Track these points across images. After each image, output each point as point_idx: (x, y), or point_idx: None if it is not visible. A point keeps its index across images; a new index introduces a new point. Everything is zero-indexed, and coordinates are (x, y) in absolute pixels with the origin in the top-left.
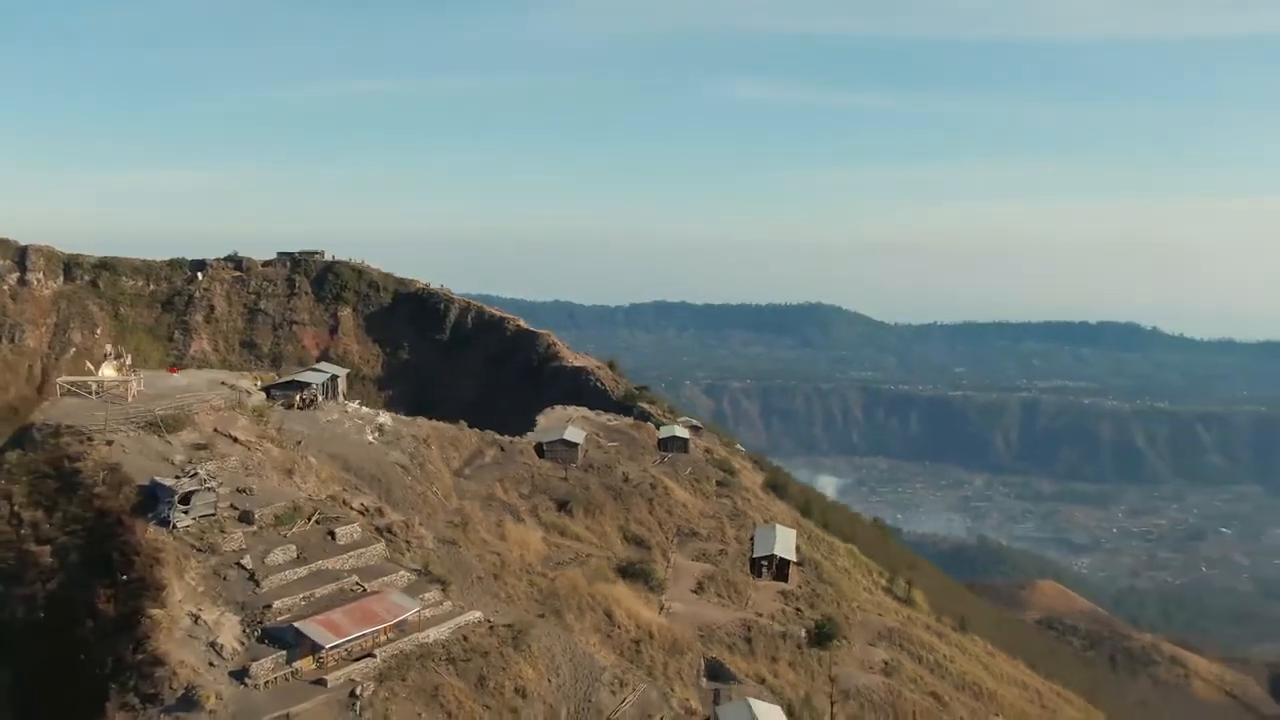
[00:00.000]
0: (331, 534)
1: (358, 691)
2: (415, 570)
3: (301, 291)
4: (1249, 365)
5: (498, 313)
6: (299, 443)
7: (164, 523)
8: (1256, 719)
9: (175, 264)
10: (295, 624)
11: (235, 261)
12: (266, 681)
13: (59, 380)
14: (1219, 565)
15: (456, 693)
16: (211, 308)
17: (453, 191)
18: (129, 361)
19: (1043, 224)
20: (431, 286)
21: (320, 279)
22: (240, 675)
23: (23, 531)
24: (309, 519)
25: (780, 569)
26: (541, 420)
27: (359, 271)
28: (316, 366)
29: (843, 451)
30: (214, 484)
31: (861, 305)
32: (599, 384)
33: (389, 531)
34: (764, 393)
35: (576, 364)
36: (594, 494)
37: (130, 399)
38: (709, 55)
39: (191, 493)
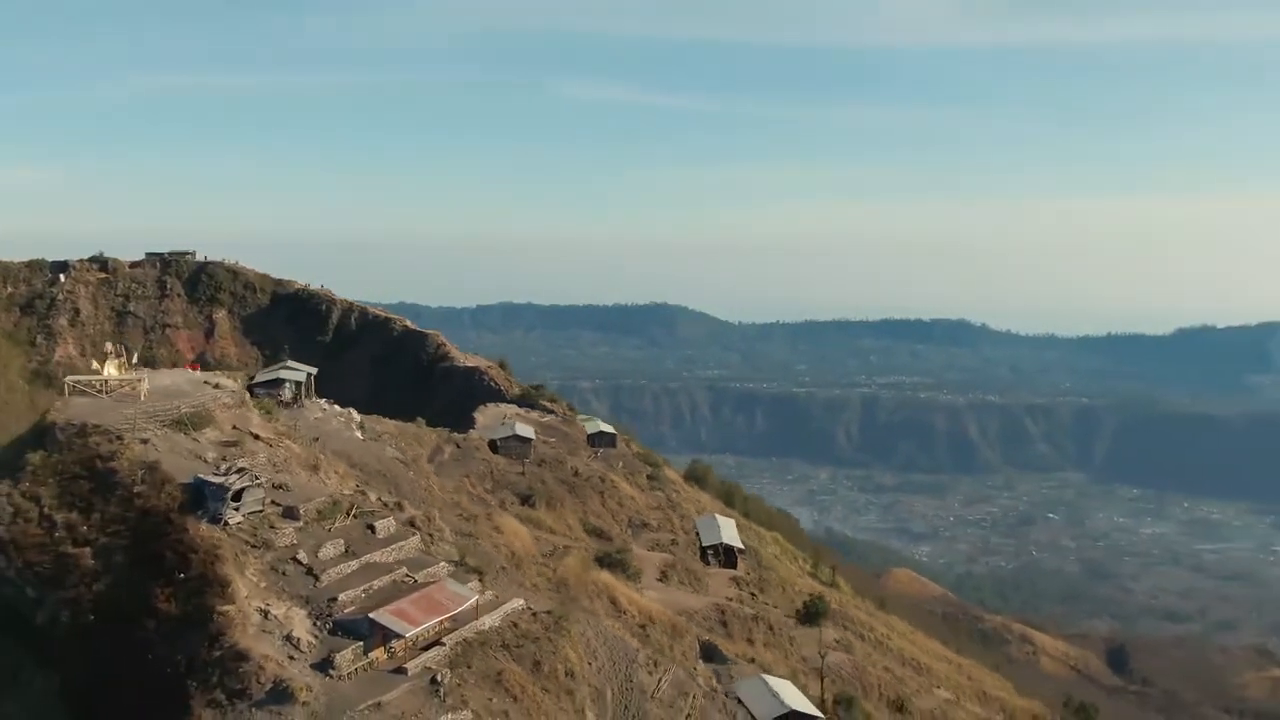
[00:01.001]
0: (371, 528)
1: (438, 679)
2: (452, 561)
3: (173, 293)
4: (1069, 359)
5: (382, 313)
6: (316, 439)
7: (215, 520)
8: (1100, 689)
9: (34, 265)
10: (370, 615)
11: (100, 262)
12: (349, 673)
13: (68, 379)
14: (1048, 549)
15: (517, 677)
16: (76, 311)
17: (300, 191)
18: (135, 359)
19: (878, 225)
20: (311, 287)
21: (193, 280)
22: (323, 667)
23: (57, 534)
24: (348, 514)
25: (729, 556)
26: (480, 418)
27: (234, 273)
28: (289, 364)
29: (691, 449)
30: (263, 480)
31: (706, 305)
32: (493, 383)
33: (412, 525)
34: (613, 392)
35: (468, 364)
36: (551, 488)
37: (143, 397)
38: (552, 56)
39: (243, 489)
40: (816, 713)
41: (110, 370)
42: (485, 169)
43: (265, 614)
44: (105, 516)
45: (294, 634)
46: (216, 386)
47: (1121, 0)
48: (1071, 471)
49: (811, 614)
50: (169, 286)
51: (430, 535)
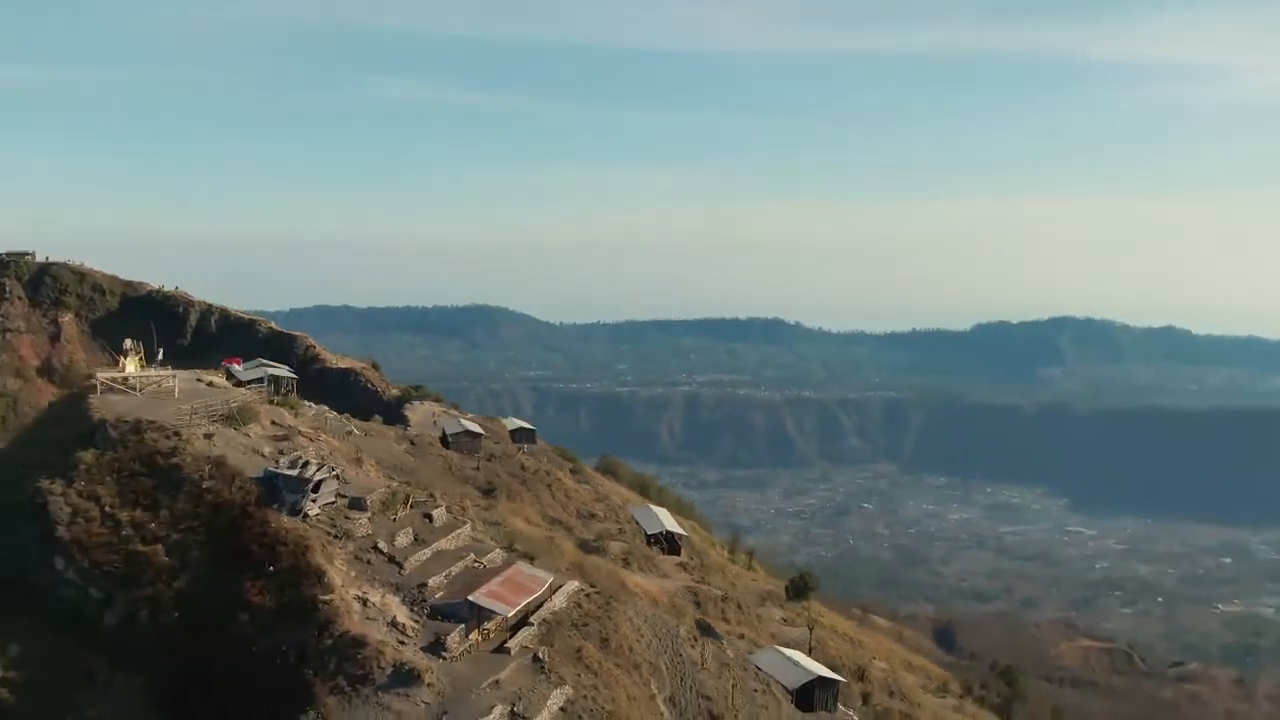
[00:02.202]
0: (429, 517)
1: (539, 656)
2: (504, 548)
3: (13, 296)
4: (878, 354)
5: (246, 315)
6: (350, 433)
7: (294, 511)
8: (940, 665)
9: None
10: (469, 598)
11: None
12: (460, 654)
13: (99, 376)
14: (864, 537)
15: (593, 653)
16: None
17: (135, 192)
18: (160, 356)
19: (696, 226)
20: (166, 289)
21: (35, 283)
22: (434, 649)
23: (124, 533)
24: (405, 504)
25: (671, 543)
26: (411, 415)
27: (80, 274)
28: (267, 362)
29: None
30: (338, 472)
31: (527, 306)
32: (369, 384)
33: (449, 513)
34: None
35: (341, 365)
36: (505, 481)
37: (176, 394)
38: (358, 53)
39: (320, 481)
40: (838, 677)
41: (130, 367)
42: (298, 168)
43: (364, 602)
44: (174, 513)
45: (397, 619)
46: (210, 384)
47: (936, 11)
48: (883, 463)
49: (799, 590)
50: (8, 289)
51: (468, 523)
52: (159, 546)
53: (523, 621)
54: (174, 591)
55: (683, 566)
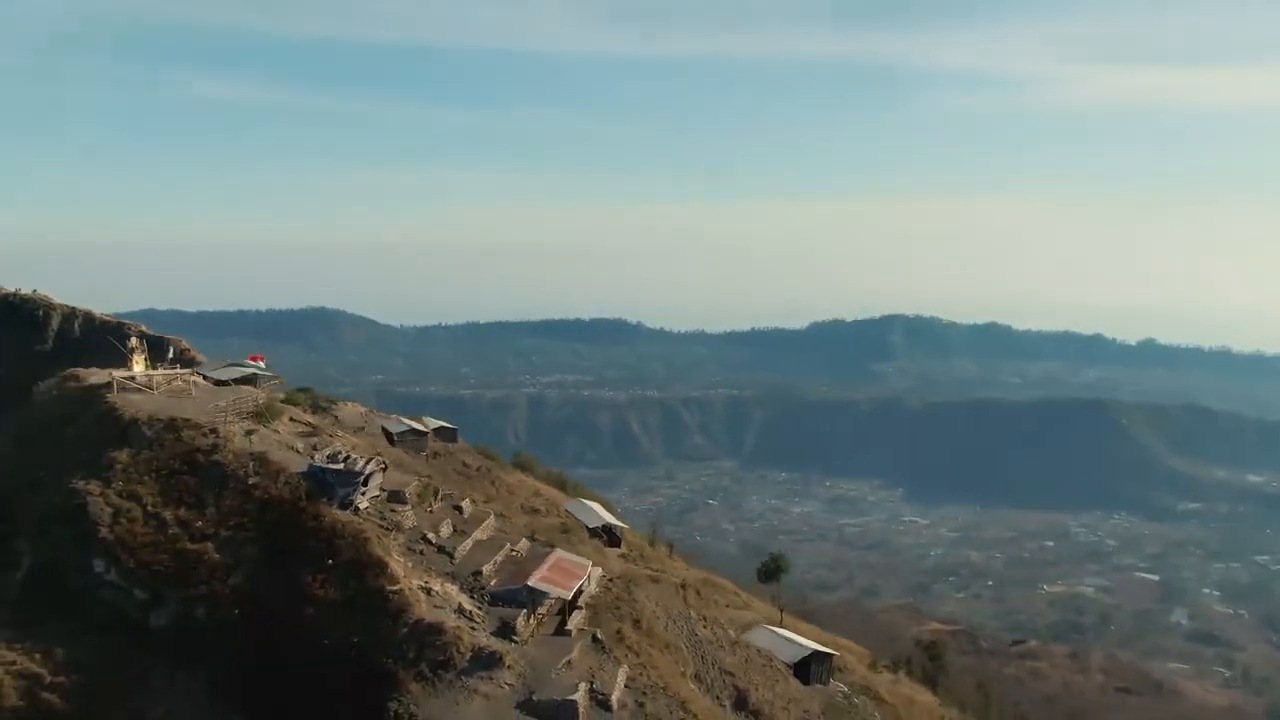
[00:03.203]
0: (458, 508)
1: (598, 636)
2: (526, 536)
3: None
4: (718, 353)
5: (112, 319)
6: (362, 428)
7: (345, 505)
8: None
9: None
10: (528, 584)
11: None
12: (528, 637)
13: (117, 375)
14: (710, 533)
15: (630, 634)
16: None
17: None
18: (171, 354)
19: (535, 227)
20: (23, 292)
21: None
22: (503, 633)
23: (171, 532)
24: (435, 496)
25: (612, 536)
26: (340, 415)
27: None
28: (241, 362)
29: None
30: (385, 465)
31: (367, 309)
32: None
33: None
34: None
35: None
36: (452, 477)
37: (193, 393)
38: (183, 50)
39: (370, 475)
40: (832, 651)
41: (138, 366)
42: (122, 170)
43: (427, 590)
44: (222, 510)
45: (463, 606)
46: (198, 384)
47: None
48: (726, 460)
49: (770, 573)
50: None
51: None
52: (208, 544)
53: (567, 606)
54: (230, 588)
55: (624, 557)
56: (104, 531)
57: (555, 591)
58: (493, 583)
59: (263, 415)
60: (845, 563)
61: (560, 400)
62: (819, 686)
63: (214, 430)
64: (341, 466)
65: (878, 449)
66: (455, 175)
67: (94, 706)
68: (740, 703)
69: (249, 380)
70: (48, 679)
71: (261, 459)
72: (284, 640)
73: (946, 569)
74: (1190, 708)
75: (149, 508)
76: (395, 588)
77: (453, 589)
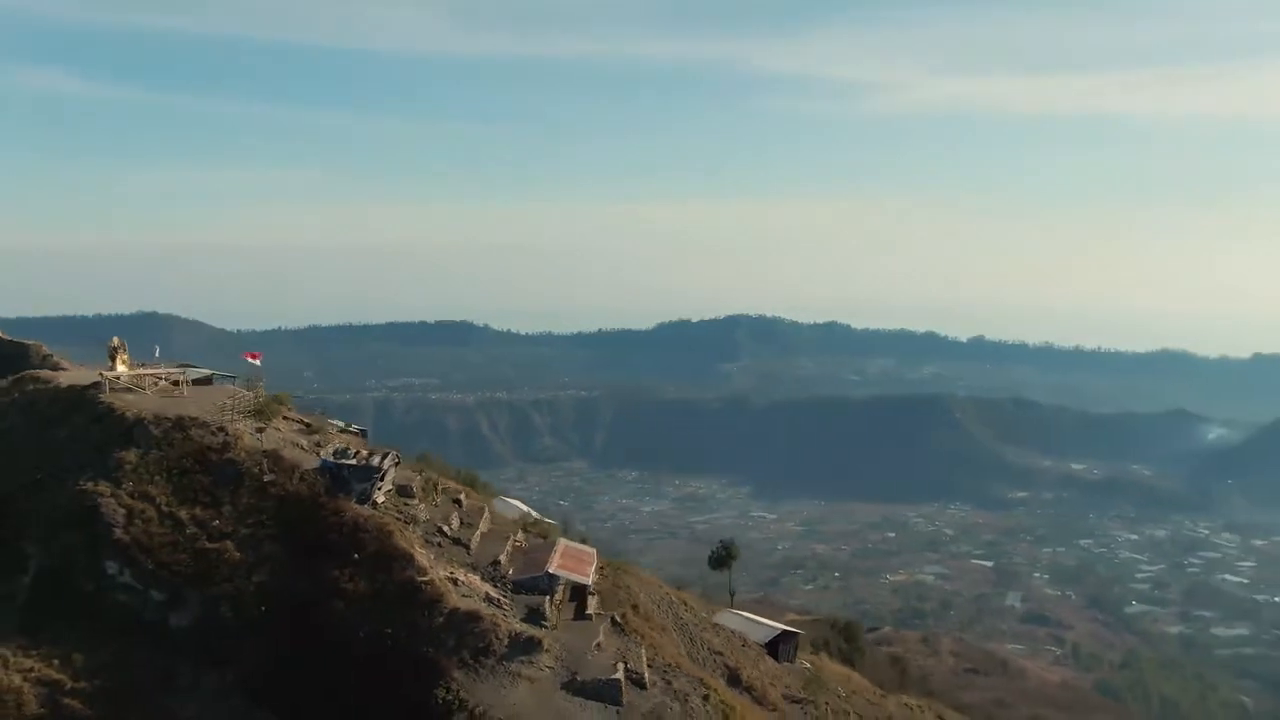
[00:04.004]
0: (458, 502)
1: (617, 619)
2: (523, 528)
3: None
4: (566, 354)
5: None
6: (350, 425)
7: (363, 499)
8: None
9: None
10: (549, 571)
11: None
12: (556, 622)
13: (111, 375)
14: (563, 534)
15: (633, 617)
16: None
17: None
18: (157, 354)
19: (377, 228)
20: None
21: None
22: (533, 619)
23: (189, 531)
24: (436, 490)
25: None
26: None
27: None
28: (190, 364)
29: None
30: (399, 460)
31: (200, 313)
32: None
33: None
34: None
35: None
36: None
37: (186, 392)
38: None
39: (387, 470)
40: (798, 631)
41: (120, 366)
42: None
43: (454, 581)
44: (239, 508)
45: (490, 595)
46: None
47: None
48: (576, 460)
49: (720, 560)
50: None
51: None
52: (228, 543)
53: (576, 592)
54: (255, 585)
55: None
56: (118, 533)
57: (575, 578)
58: (510, 572)
59: (263, 413)
60: (697, 560)
61: (407, 404)
62: (787, 664)
63: (222, 429)
64: (354, 461)
65: (725, 447)
66: (285, 175)
67: (119, 710)
68: (734, 680)
69: (205, 381)
70: (68, 685)
71: (274, 456)
72: (315, 634)
73: (795, 562)
74: (1032, 684)
75: (163, 508)
76: (426, 579)
77: (474, 578)
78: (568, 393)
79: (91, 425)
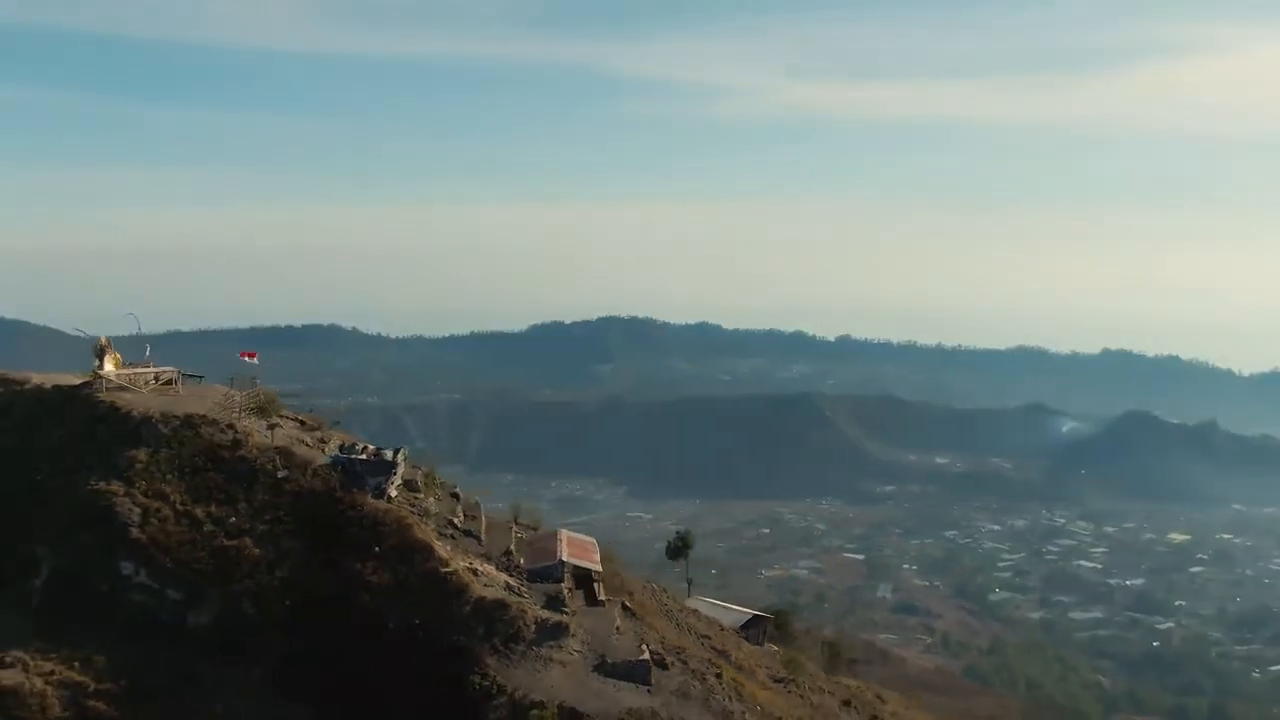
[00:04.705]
0: (456, 495)
1: (626, 603)
2: (514, 519)
3: None
4: (438, 357)
5: None
6: (338, 422)
7: (379, 494)
8: None
9: None
10: (562, 559)
11: None
12: (575, 609)
13: (106, 373)
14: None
15: (631, 603)
16: None
17: None
18: (149, 353)
19: (232, 229)
20: None
21: None
22: (553, 606)
23: (206, 529)
24: (434, 483)
25: None
26: None
27: None
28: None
29: None
30: (407, 455)
31: (47, 318)
32: None
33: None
34: None
35: None
36: None
37: (180, 391)
38: None
39: (399, 465)
40: (767, 615)
41: (109, 365)
42: None
43: (474, 571)
44: (254, 505)
45: (509, 584)
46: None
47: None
48: (452, 464)
49: (677, 549)
50: None
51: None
52: (246, 540)
53: (581, 580)
54: (278, 581)
55: None
56: (135, 532)
57: (586, 565)
58: (521, 561)
59: (265, 410)
60: None
61: None
62: (758, 647)
63: (231, 426)
64: (364, 456)
65: (601, 448)
66: (136, 174)
67: (145, 711)
68: (725, 661)
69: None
70: (91, 687)
71: (286, 452)
72: (342, 627)
73: (673, 560)
74: (911, 671)
75: (178, 506)
76: (449, 569)
77: (490, 568)
78: (441, 396)
79: (95, 425)
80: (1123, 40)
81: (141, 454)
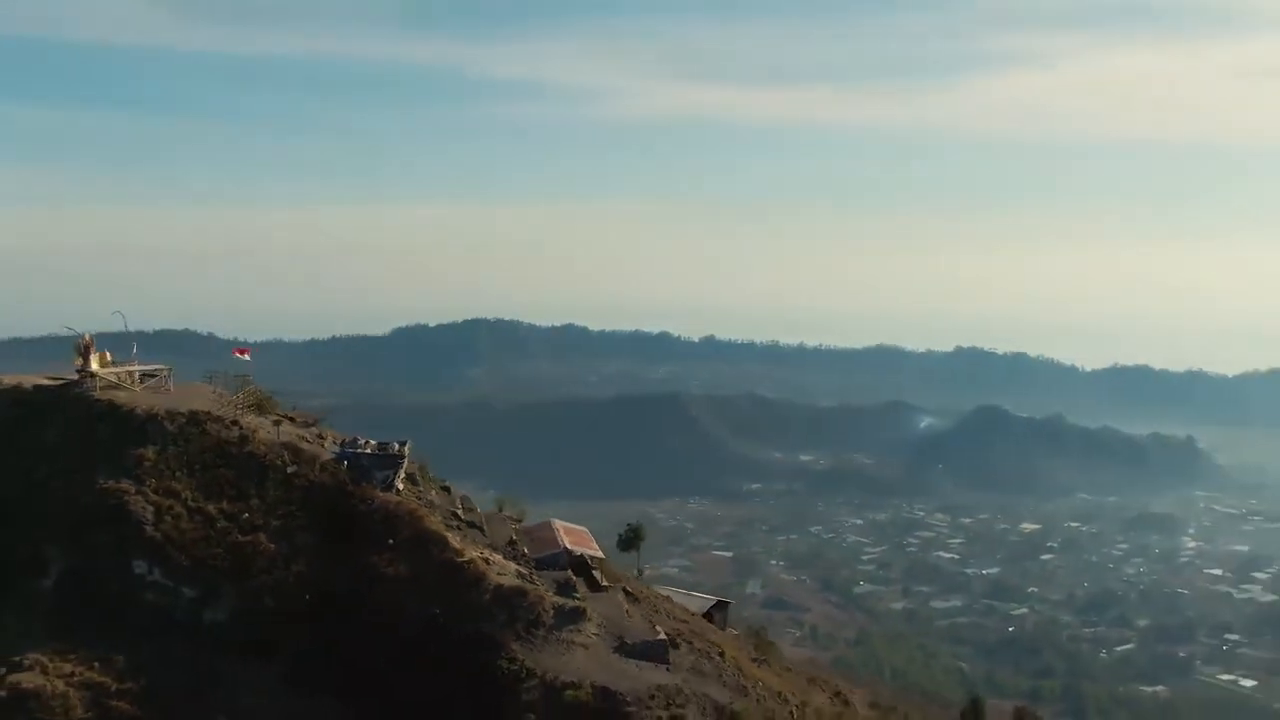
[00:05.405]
0: (446, 489)
1: (628, 589)
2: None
3: None
4: (300, 362)
5: None
6: (324, 418)
7: (387, 487)
8: None
9: None
10: (567, 548)
11: None
12: (583, 595)
13: (100, 371)
14: None
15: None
16: None
17: None
18: (135, 351)
19: (65, 230)
20: None
21: None
22: (566, 591)
23: (220, 525)
24: (427, 477)
25: None
26: None
27: None
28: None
29: None
30: (410, 449)
31: None
32: None
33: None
34: None
35: None
36: None
37: (171, 389)
38: None
39: (405, 458)
40: (729, 600)
41: (95, 364)
42: None
43: (486, 560)
44: (266, 501)
45: (520, 572)
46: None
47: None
48: None
49: (629, 540)
50: None
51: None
52: (260, 535)
53: (580, 567)
54: (294, 575)
55: None
56: (149, 530)
57: (588, 552)
58: (525, 550)
59: (263, 407)
60: None
61: None
62: (723, 631)
63: (236, 423)
64: (369, 450)
65: (470, 451)
66: None
67: (168, 709)
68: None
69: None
70: (113, 687)
71: (293, 448)
72: (362, 618)
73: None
74: (789, 662)
75: (190, 503)
76: (465, 559)
77: (498, 558)
78: (304, 402)
79: (94, 424)
80: (962, 51)
81: (149, 452)
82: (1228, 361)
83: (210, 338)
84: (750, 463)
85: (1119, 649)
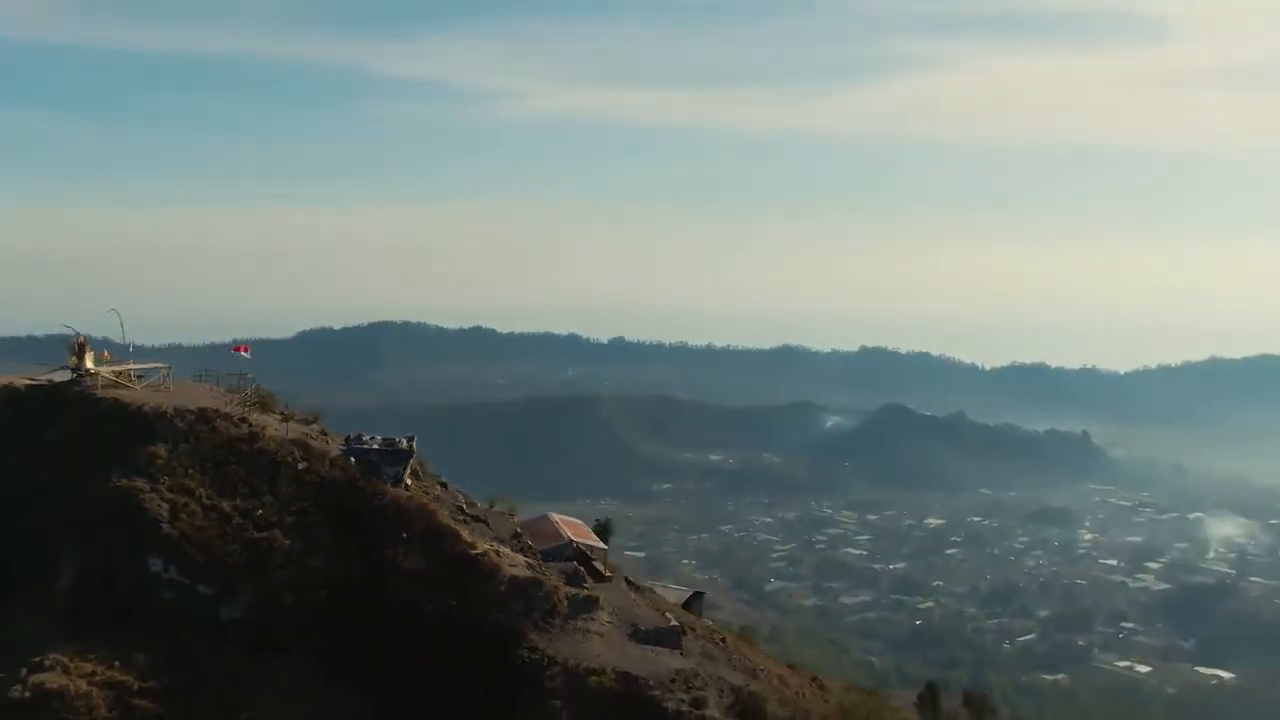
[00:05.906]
0: (444, 484)
1: (629, 579)
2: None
3: None
4: (197, 365)
5: None
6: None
7: (397, 482)
8: None
9: None
10: (572, 540)
11: None
12: (590, 585)
13: (102, 370)
14: None
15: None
16: None
17: None
18: (130, 349)
19: None
20: None
21: None
22: (575, 582)
23: (235, 522)
24: (427, 472)
25: None
26: None
27: None
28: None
29: None
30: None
31: None
32: None
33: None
34: None
35: None
36: None
37: (171, 387)
38: None
39: (413, 454)
40: (704, 590)
41: (89, 363)
42: None
43: (498, 553)
44: (279, 497)
45: (530, 563)
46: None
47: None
48: None
49: (602, 532)
50: None
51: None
52: (275, 531)
53: (580, 558)
54: (311, 570)
55: None
56: (165, 528)
57: (590, 544)
58: (530, 543)
59: (266, 405)
60: None
61: None
62: (702, 620)
63: (244, 420)
64: (377, 445)
65: None
66: None
67: (192, 706)
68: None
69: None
70: (135, 685)
71: (303, 444)
72: (381, 612)
73: None
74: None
75: (204, 500)
76: (478, 551)
77: (507, 550)
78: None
79: (99, 423)
80: (879, 54)
81: (161, 450)
82: (1119, 359)
83: (105, 342)
84: (661, 463)
85: (1021, 639)
